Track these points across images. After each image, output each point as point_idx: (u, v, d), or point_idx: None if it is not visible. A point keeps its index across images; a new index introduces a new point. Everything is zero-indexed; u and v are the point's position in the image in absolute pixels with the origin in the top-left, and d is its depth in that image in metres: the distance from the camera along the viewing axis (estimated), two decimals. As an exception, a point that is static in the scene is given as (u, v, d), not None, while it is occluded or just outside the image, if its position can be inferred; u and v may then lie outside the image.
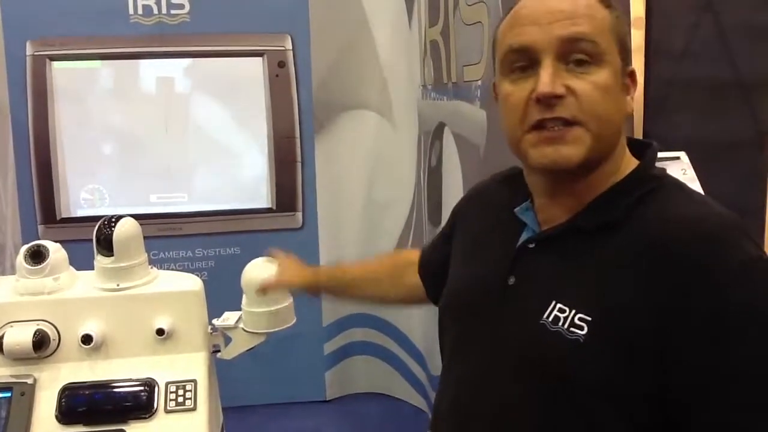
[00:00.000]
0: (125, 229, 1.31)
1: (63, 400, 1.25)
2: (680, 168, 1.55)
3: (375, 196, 3.17)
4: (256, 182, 3.03)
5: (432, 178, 2.77)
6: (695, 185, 1.44)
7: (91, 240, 1.32)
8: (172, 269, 1.51)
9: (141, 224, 1.35)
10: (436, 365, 2.62)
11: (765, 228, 1.59)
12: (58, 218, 2.87)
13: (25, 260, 1.30)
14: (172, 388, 1.28)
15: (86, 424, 1.24)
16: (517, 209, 1.00)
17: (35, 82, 2.80)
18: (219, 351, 1.39)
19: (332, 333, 3.17)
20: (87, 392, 1.26)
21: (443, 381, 1.08)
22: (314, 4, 2.95)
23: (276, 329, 1.34)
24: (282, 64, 2.93)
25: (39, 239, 1.48)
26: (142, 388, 1.27)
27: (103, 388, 1.27)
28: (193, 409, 1.26)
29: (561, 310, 0.88)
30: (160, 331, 1.30)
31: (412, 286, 1.29)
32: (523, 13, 0.92)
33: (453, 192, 2.47)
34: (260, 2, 2.88)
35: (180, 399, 1.27)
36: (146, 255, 1.37)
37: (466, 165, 2.36)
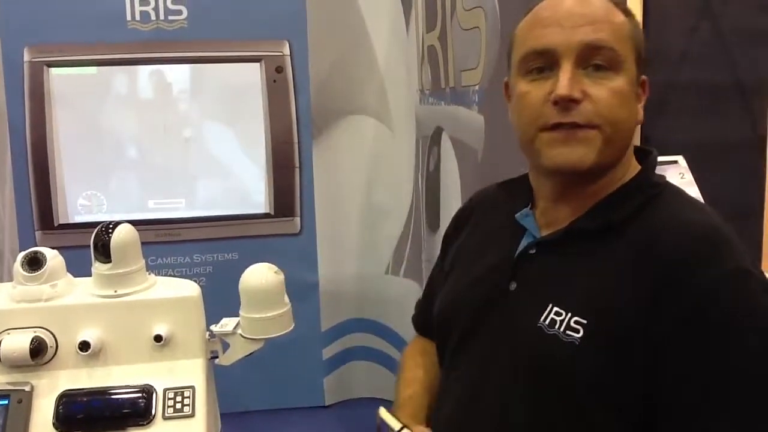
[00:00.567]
0: (123, 236, 1.30)
1: (61, 407, 1.24)
2: (678, 172, 1.55)
3: (373, 201, 3.17)
4: (254, 188, 3.03)
5: (430, 182, 2.77)
6: (693, 189, 1.44)
7: (89, 246, 1.32)
8: (170, 275, 1.51)
9: (139, 230, 1.35)
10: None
11: (763, 231, 1.59)
12: (55, 224, 2.86)
13: (23, 267, 1.29)
14: (170, 395, 1.27)
15: (84, 431, 1.23)
16: (517, 215, 1.01)
17: (33, 88, 2.79)
18: (217, 357, 1.38)
19: (331, 338, 3.16)
20: (85, 399, 1.25)
21: (443, 386, 1.08)
22: (312, 10, 2.95)
23: (274, 335, 1.34)
24: (280, 70, 2.93)
25: (36, 245, 1.48)
26: (140, 394, 1.26)
27: (101, 394, 1.26)
28: (192, 415, 1.26)
29: (557, 314, 0.88)
30: (158, 338, 1.30)
31: None
32: (544, 14, 0.92)
33: (451, 196, 2.47)
34: (258, 8, 2.89)
35: (178, 405, 1.26)
36: (144, 261, 1.36)
37: (464, 169, 2.36)
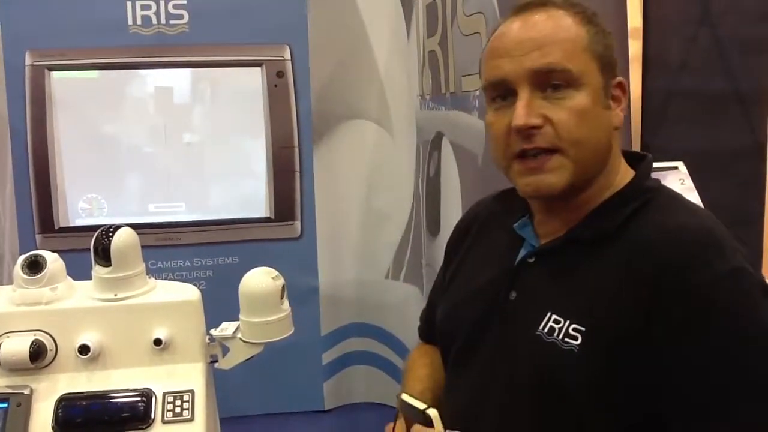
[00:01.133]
0: (123, 239, 1.30)
1: (60, 410, 1.24)
2: (678, 178, 1.55)
3: (373, 206, 3.17)
4: (255, 192, 3.03)
5: (430, 187, 2.77)
6: (693, 195, 1.44)
7: (89, 249, 1.32)
8: (170, 279, 1.50)
9: (139, 234, 1.35)
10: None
11: (763, 237, 1.59)
12: (56, 227, 2.86)
13: (23, 270, 1.29)
14: (170, 399, 1.27)
15: (83, 434, 1.23)
16: (516, 225, 1.01)
17: (34, 92, 2.80)
18: (217, 361, 1.38)
19: (330, 343, 3.16)
20: (84, 403, 1.25)
21: (446, 395, 1.08)
22: (313, 14, 2.96)
23: (274, 339, 1.34)
24: (281, 75, 2.94)
25: (37, 248, 1.48)
26: (139, 398, 1.26)
27: (100, 398, 1.26)
28: (191, 419, 1.26)
29: (556, 321, 0.89)
30: (157, 342, 1.30)
31: None
32: (496, 45, 0.94)
33: (451, 201, 2.47)
34: (259, 13, 2.89)
35: (177, 409, 1.26)
36: (144, 265, 1.36)
37: (464, 174, 2.36)
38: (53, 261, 1.31)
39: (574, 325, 0.87)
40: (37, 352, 1.25)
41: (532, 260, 0.96)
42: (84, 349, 1.27)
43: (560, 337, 0.87)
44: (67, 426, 1.23)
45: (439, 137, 2.63)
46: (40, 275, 1.29)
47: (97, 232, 1.31)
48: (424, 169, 2.84)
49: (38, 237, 2.86)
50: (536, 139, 0.89)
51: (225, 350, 1.38)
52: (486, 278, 1.02)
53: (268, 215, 3.03)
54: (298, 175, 3.01)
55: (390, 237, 3.17)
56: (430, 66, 2.69)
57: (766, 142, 1.65)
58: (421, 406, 0.95)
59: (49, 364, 1.28)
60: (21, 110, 2.79)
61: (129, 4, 2.81)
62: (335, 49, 3.05)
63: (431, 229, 2.75)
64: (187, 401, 1.27)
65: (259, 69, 2.94)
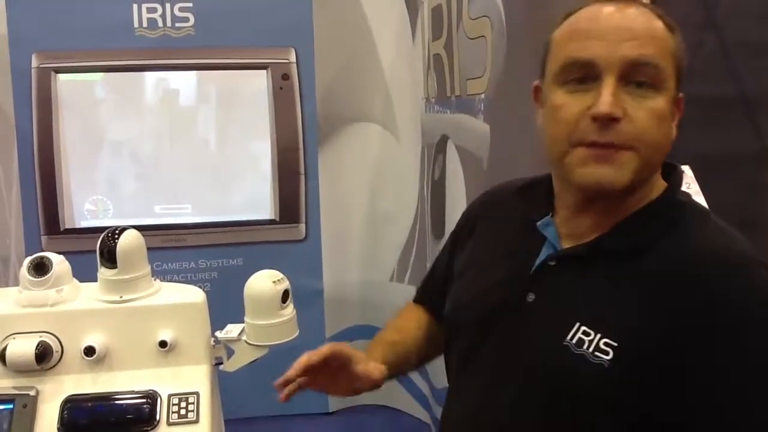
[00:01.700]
0: (129, 241, 1.31)
1: (65, 412, 1.24)
2: (684, 182, 1.55)
3: (378, 209, 3.17)
4: (260, 194, 3.04)
5: (435, 190, 2.77)
6: (700, 199, 1.44)
7: (95, 251, 1.32)
8: (175, 280, 1.51)
9: (144, 235, 1.36)
10: (438, 378, 2.61)
11: (769, 242, 1.59)
12: (61, 229, 2.87)
13: (29, 272, 1.30)
14: (175, 401, 1.27)
15: (88, 436, 1.24)
16: (539, 223, 0.98)
17: (40, 94, 2.81)
18: (222, 363, 1.38)
19: (335, 345, 3.15)
20: (89, 404, 1.26)
21: (452, 391, 1.08)
22: (318, 17, 2.96)
23: (279, 341, 1.34)
24: (286, 77, 2.94)
25: (42, 250, 1.49)
26: (144, 400, 1.27)
27: (105, 400, 1.27)
28: (196, 421, 1.26)
29: (585, 333, 0.86)
30: (162, 344, 1.30)
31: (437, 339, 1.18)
32: (587, 26, 0.89)
33: (456, 204, 2.47)
34: (265, 16, 2.90)
35: (182, 411, 1.26)
36: (149, 267, 1.37)
37: (469, 178, 2.36)
38: (59, 263, 1.32)
39: (605, 339, 0.85)
40: (43, 354, 1.25)
41: (553, 263, 0.94)
42: (89, 351, 1.27)
43: (590, 350, 0.85)
44: (72, 427, 1.24)
45: (444, 140, 2.63)
46: (46, 277, 1.30)
47: (103, 234, 1.32)
48: (429, 172, 2.84)
49: (44, 238, 2.87)
50: (612, 133, 0.85)
51: (230, 352, 1.39)
52: (501, 275, 1.00)
53: (273, 217, 3.03)
54: (303, 177, 3.02)
55: (395, 239, 3.17)
56: (435, 69, 2.69)
57: (772, 146, 1.65)
58: None
59: (55, 365, 1.29)
60: (27, 112, 2.80)
61: (135, 6, 2.82)
62: (340, 51, 3.05)
63: (436, 232, 2.75)
64: (192, 403, 1.27)
65: (264, 72, 2.95)
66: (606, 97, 0.84)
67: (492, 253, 1.06)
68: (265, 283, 1.32)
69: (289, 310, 1.34)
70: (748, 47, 1.61)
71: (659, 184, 0.93)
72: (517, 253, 0.99)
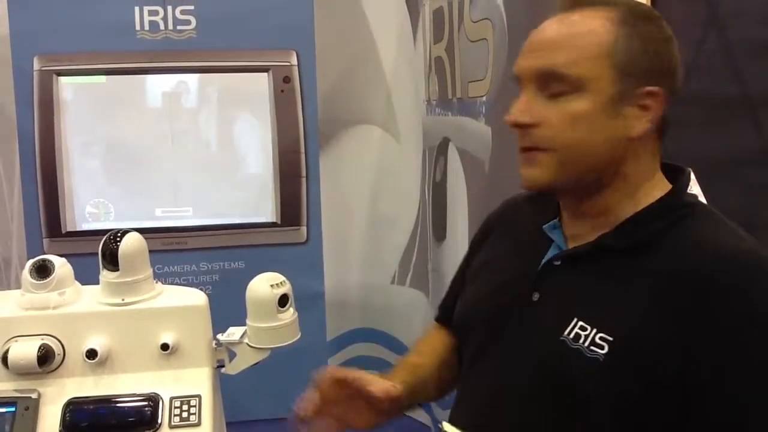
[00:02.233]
0: (131, 244, 1.31)
1: (67, 415, 1.24)
2: (686, 183, 1.54)
3: (379, 211, 3.17)
4: (261, 196, 3.04)
5: (436, 193, 2.77)
6: (702, 200, 1.44)
7: (96, 254, 1.32)
8: (177, 283, 1.51)
9: (146, 238, 1.36)
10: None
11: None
12: (63, 232, 2.87)
13: (31, 275, 1.30)
14: (177, 404, 1.27)
15: (90, 439, 1.24)
16: (545, 226, 1.01)
17: (42, 96, 2.81)
18: (223, 366, 1.38)
19: (336, 348, 3.16)
20: (91, 407, 1.26)
21: (460, 391, 1.08)
22: (320, 20, 2.97)
23: (280, 344, 1.34)
24: (287, 80, 2.95)
25: (44, 253, 1.49)
26: (146, 403, 1.27)
27: (107, 403, 1.27)
28: (198, 424, 1.26)
29: (582, 328, 0.88)
30: (164, 346, 1.30)
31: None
32: (527, 41, 0.95)
33: (458, 207, 2.47)
34: (266, 18, 2.90)
35: (184, 414, 1.26)
36: (151, 270, 1.37)
37: (470, 180, 2.36)
38: (61, 266, 1.32)
39: (601, 334, 0.86)
40: (45, 357, 1.25)
41: (558, 263, 0.96)
42: (91, 354, 1.27)
43: (586, 344, 0.86)
44: (74, 430, 1.23)
45: (445, 143, 2.63)
46: (48, 280, 1.29)
47: (105, 237, 1.32)
48: (431, 175, 2.85)
49: (45, 241, 2.86)
50: (528, 138, 0.92)
51: (232, 355, 1.38)
52: (509, 276, 1.01)
53: (275, 220, 3.03)
54: (304, 180, 3.02)
55: (396, 242, 3.17)
56: (436, 72, 2.69)
57: (775, 146, 1.64)
58: None
59: (57, 368, 1.29)
60: (29, 115, 2.80)
61: (137, 9, 2.82)
62: (342, 54, 3.06)
63: (437, 235, 2.75)
64: (194, 406, 1.27)
65: (265, 74, 2.95)
66: (513, 108, 0.92)
67: (502, 257, 1.08)
68: (263, 286, 1.31)
69: (288, 314, 1.33)
70: (751, 46, 1.60)
71: (660, 185, 0.94)
72: (525, 255, 1.01)
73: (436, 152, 2.74)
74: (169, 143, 2.95)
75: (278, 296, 1.31)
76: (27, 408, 1.23)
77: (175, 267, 2.94)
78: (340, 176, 3.12)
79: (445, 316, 1.23)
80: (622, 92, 0.89)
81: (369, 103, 3.13)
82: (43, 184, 2.84)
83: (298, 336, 1.36)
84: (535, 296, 0.95)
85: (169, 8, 2.84)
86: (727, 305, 0.81)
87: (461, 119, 2.42)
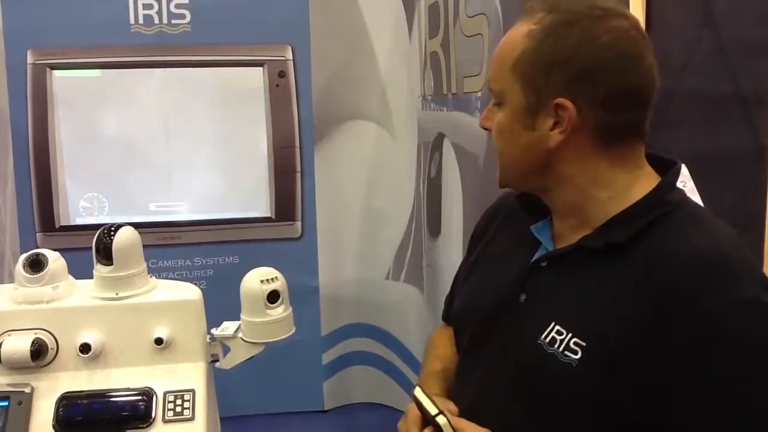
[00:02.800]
0: (125, 239, 1.31)
1: (61, 409, 1.24)
2: (680, 180, 1.55)
3: (374, 206, 3.17)
4: (256, 191, 3.03)
5: (431, 188, 2.77)
6: (696, 197, 1.44)
7: (90, 248, 1.32)
8: (171, 278, 1.50)
9: (140, 233, 1.35)
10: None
11: (764, 240, 1.59)
12: (56, 226, 2.87)
13: (24, 269, 1.30)
14: (171, 398, 1.27)
15: (84, 433, 1.24)
16: (533, 227, 1.01)
17: (35, 90, 2.80)
18: (217, 360, 1.38)
19: (330, 343, 3.16)
20: (85, 401, 1.26)
21: (453, 385, 1.09)
22: (315, 14, 2.96)
23: (275, 339, 1.34)
24: (282, 75, 2.94)
25: (37, 247, 1.48)
26: (140, 397, 1.27)
27: (101, 397, 1.27)
28: (192, 419, 1.26)
29: (559, 332, 0.88)
30: (158, 341, 1.30)
31: None
32: None
33: (452, 202, 2.47)
34: (261, 13, 2.89)
35: (178, 409, 1.26)
36: (145, 264, 1.37)
37: (465, 175, 2.36)
38: (54, 260, 1.32)
39: (575, 339, 0.86)
40: (38, 351, 1.25)
41: (544, 264, 0.96)
42: (85, 348, 1.27)
43: (560, 349, 0.87)
44: (67, 424, 1.23)
45: (440, 138, 2.63)
46: (41, 274, 1.29)
47: (98, 231, 1.32)
48: (425, 170, 2.84)
49: (39, 236, 2.86)
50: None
51: (226, 350, 1.38)
52: (501, 276, 1.02)
53: (269, 215, 3.03)
54: (299, 175, 3.01)
55: (391, 237, 3.17)
56: (431, 67, 2.69)
57: (768, 144, 1.65)
58: (432, 410, 0.92)
59: (50, 362, 1.28)
60: (22, 108, 2.79)
61: (131, 3, 2.81)
62: (337, 49, 3.05)
63: (432, 230, 2.75)
64: (188, 400, 1.27)
65: (260, 69, 2.94)
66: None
67: (496, 256, 1.09)
68: (253, 281, 1.31)
69: (278, 310, 1.33)
70: (745, 45, 1.61)
71: (646, 182, 0.91)
72: (516, 256, 1.01)
73: (431, 147, 2.74)
74: (163, 138, 2.94)
75: (267, 292, 1.30)
76: (20, 402, 1.23)
77: (169, 262, 2.93)
78: (335, 171, 3.12)
79: (447, 314, 1.24)
80: (533, 104, 0.89)
81: (364, 98, 3.12)
82: (36, 178, 2.83)
83: (293, 331, 1.36)
84: (522, 297, 0.96)
85: (164, 2, 2.83)
86: (697, 309, 0.80)
87: (456, 114, 2.42)
